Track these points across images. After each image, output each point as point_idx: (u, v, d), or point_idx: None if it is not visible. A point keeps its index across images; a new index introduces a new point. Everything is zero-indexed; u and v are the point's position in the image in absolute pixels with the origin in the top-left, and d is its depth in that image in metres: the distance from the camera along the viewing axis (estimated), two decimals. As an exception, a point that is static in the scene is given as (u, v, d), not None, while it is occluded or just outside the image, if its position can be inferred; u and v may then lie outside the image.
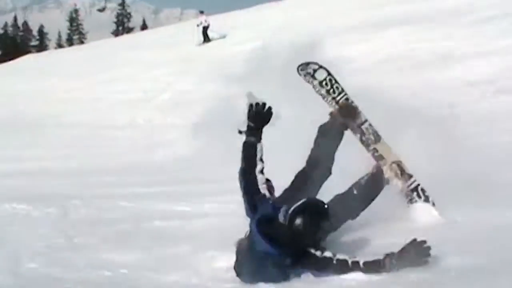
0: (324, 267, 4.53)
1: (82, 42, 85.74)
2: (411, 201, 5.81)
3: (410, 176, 5.80)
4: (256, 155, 4.94)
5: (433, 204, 5.78)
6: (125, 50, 33.99)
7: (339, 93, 5.98)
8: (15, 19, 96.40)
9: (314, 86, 6.01)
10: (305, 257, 4.59)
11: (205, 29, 31.57)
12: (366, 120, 5.92)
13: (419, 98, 13.99)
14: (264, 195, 4.92)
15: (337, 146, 5.82)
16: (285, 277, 4.56)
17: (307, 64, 6.03)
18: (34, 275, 5.39)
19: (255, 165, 4.93)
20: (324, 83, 5.99)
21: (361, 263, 4.45)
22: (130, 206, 8.51)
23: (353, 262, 4.47)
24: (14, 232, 7.14)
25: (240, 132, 5.03)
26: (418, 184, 5.80)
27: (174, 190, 10.22)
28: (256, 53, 24.66)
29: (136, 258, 5.73)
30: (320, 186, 5.61)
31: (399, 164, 5.79)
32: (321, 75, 6.01)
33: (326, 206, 4.69)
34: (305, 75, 6.01)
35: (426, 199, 5.80)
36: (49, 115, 22.74)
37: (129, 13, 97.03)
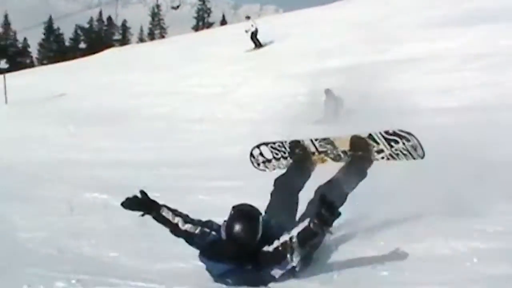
0: (279, 257, 4.58)
1: (163, 37, 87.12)
2: None
3: None
4: (167, 219, 5.03)
5: None
6: (204, 45, 34.24)
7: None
8: (100, 14, 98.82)
9: None
10: (262, 257, 4.64)
11: (253, 34, 31.27)
12: None
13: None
14: (193, 232, 5.01)
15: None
16: (262, 281, 4.64)
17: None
18: (115, 264, 5.42)
19: (175, 225, 5.01)
20: None
21: (295, 236, 4.55)
22: (207, 199, 8.53)
23: (291, 238, 4.55)
24: (94, 221, 7.24)
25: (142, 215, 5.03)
26: None
27: (251, 185, 10.16)
28: (333, 51, 24.58)
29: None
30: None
31: None
32: None
33: (251, 206, 4.92)
34: None
35: None
36: (130, 108, 23.15)
37: (209, 9, 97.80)
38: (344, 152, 5.77)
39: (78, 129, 20.52)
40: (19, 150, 17.04)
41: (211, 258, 4.78)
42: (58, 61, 51.59)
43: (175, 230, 5.03)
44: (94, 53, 49.49)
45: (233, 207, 4.89)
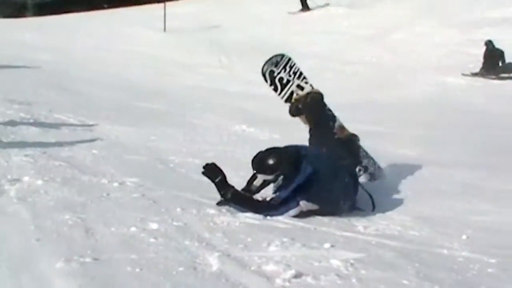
0: None
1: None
2: None
3: None
4: (247, 196, 4.95)
5: None
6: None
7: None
8: None
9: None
10: None
11: None
12: None
13: None
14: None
15: None
16: None
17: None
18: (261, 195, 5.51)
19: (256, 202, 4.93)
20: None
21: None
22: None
23: None
24: (242, 153, 7.37)
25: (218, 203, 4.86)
26: None
27: (400, 132, 9.97)
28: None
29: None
30: None
31: None
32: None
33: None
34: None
35: None
36: (284, 43, 23.15)
37: None
38: None
39: (230, 60, 20.90)
40: (173, 77, 17.66)
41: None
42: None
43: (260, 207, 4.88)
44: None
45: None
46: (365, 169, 6.17)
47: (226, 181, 4.89)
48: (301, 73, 6.25)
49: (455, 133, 10.22)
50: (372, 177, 6.14)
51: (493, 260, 3.75)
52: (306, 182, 4.75)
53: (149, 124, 9.28)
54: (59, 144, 7.06)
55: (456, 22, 23.26)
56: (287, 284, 3.26)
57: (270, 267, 3.51)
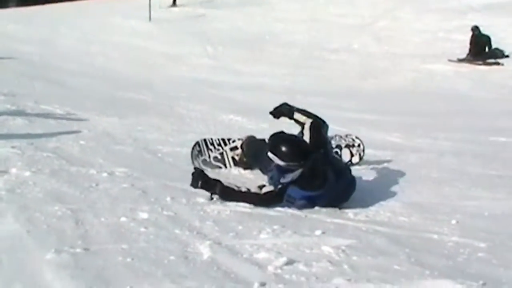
0: None
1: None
2: None
3: None
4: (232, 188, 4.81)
5: None
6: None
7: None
8: None
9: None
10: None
11: None
12: None
13: None
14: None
15: None
16: None
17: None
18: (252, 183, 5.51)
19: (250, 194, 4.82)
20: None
21: None
22: (338, 130, 8.41)
23: None
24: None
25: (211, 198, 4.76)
26: None
27: (386, 119, 10.00)
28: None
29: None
30: None
31: None
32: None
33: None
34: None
35: None
36: (267, 33, 23.20)
37: None
38: None
39: (216, 50, 20.86)
40: (159, 67, 17.61)
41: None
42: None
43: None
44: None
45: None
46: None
47: (210, 180, 4.78)
48: (223, 139, 6.33)
49: (441, 119, 10.27)
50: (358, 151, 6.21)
51: (483, 245, 3.78)
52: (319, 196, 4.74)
53: (136, 114, 9.24)
54: (46, 135, 7.02)
55: (441, 8, 23.34)
56: (279, 271, 3.26)
57: (261, 255, 3.51)
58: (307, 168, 4.72)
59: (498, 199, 4.98)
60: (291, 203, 4.67)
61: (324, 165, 4.82)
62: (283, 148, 4.72)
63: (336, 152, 6.20)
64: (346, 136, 6.36)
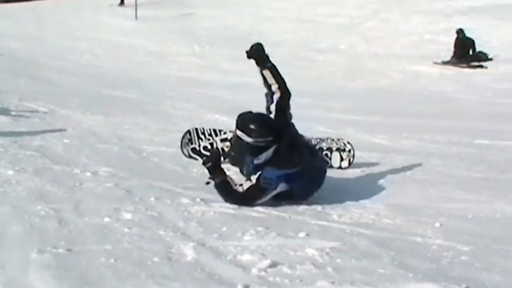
0: None
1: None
2: None
3: None
4: (234, 189, 4.76)
5: None
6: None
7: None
8: None
9: None
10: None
11: None
12: None
13: None
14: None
15: None
16: None
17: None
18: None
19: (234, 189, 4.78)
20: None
21: None
22: (326, 131, 8.44)
23: None
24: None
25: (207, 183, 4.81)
26: None
27: (372, 121, 10.01)
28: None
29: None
30: None
31: None
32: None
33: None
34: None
35: None
36: (255, 32, 23.17)
37: None
38: None
39: (203, 49, 20.82)
40: (145, 66, 17.56)
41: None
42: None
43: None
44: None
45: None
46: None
47: (219, 168, 4.80)
48: (214, 130, 6.34)
49: (427, 121, 10.30)
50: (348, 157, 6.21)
51: (466, 248, 3.79)
52: (296, 173, 4.72)
53: (122, 113, 9.21)
54: (30, 133, 6.98)
55: (428, 11, 23.45)
56: (263, 273, 3.25)
57: (245, 257, 3.50)
58: (282, 145, 4.71)
59: (482, 202, 5.00)
60: (269, 185, 4.65)
61: (298, 141, 4.87)
62: (251, 125, 4.70)
63: (326, 155, 6.19)
64: (338, 139, 6.34)
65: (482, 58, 18.17)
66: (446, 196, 5.19)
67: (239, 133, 4.75)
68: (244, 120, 4.79)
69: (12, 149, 6.07)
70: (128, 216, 4.17)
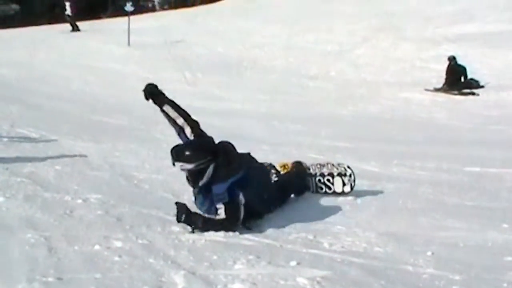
0: None
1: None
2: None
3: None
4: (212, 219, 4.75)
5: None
6: (325, 2, 33.76)
7: None
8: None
9: None
10: None
11: (69, 17, 30.95)
12: None
13: None
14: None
15: None
16: None
17: None
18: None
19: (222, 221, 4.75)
20: None
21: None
22: (317, 158, 8.44)
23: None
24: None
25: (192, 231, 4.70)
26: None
27: (363, 147, 10.04)
28: (458, 16, 23.60)
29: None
30: None
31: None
32: None
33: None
34: None
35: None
36: (245, 58, 23.32)
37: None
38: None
39: (195, 76, 20.87)
40: (137, 92, 17.52)
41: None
42: (178, 7, 52.35)
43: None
44: (214, 1, 49.77)
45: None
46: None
47: (193, 215, 4.71)
48: None
49: (417, 148, 10.33)
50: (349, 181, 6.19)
51: (457, 277, 3.78)
52: (242, 179, 4.77)
53: (112, 139, 9.20)
54: (21, 159, 6.96)
55: (417, 38, 23.66)
56: (254, 303, 3.24)
57: (236, 286, 3.49)
58: (220, 159, 4.74)
59: (473, 230, 4.99)
60: (221, 200, 4.66)
61: (234, 150, 4.95)
62: (186, 152, 4.71)
63: (328, 180, 6.16)
64: (339, 164, 6.32)
65: (473, 85, 18.31)
66: (437, 224, 5.18)
67: (178, 164, 4.74)
68: (178, 151, 4.80)
69: (3, 175, 6.05)
70: (119, 244, 4.15)
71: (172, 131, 10.25)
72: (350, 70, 21.66)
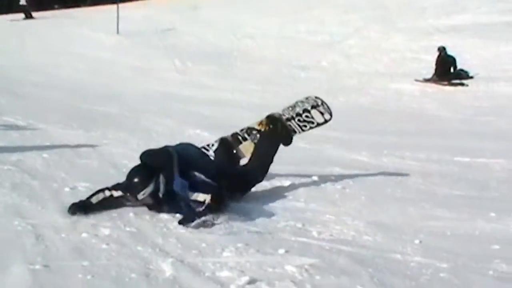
0: None
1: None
2: None
3: None
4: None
5: None
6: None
7: None
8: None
9: None
10: None
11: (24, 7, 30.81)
12: None
13: None
14: None
15: None
16: None
17: None
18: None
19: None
20: None
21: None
22: (308, 148, 8.45)
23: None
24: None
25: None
26: None
27: (354, 138, 10.04)
28: (450, 7, 23.61)
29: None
30: None
31: None
32: None
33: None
34: None
35: None
36: (236, 48, 23.26)
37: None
38: (258, 131, 6.17)
39: (185, 64, 20.81)
40: (127, 81, 17.50)
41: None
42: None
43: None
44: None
45: None
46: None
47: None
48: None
49: (408, 139, 10.35)
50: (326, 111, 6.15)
51: (445, 265, 3.79)
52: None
53: (102, 128, 9.16)
54: (8, 148, 6.91)
55: (409, 28, 23.66)
56: (242, 290, 3.23)
57: (224, 273, 3.48)
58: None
59: (462, 219, 5.01)
60: (188, 189, 4.68)
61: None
62: (135, 180, 4.69)
63: (307, 116, 6.09)
64: (306, 98, 6.27)
65: (463, 76, 18.33)
66: (426, 213, 5.19)
67: (140, 197, 4.66)
68: (128, 181, 4.75)
69: (-10, 163, 6.01)
70: (106, 232, 4.14)
71: (161, 120, 10.28)
72: (342, 60, 21.63)
